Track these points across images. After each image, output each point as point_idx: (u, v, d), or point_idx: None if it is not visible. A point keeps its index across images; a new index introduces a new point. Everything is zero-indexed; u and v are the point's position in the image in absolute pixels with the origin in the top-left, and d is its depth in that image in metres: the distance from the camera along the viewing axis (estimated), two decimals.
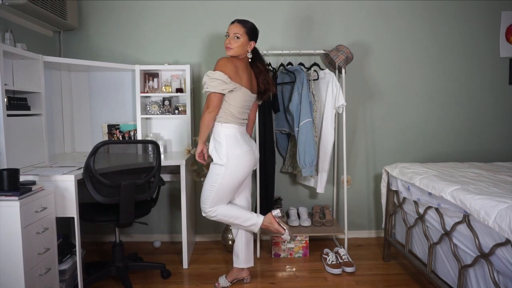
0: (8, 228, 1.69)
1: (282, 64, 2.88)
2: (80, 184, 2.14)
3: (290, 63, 2.92)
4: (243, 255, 2.40)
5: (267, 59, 3.00)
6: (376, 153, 3.23)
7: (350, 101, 3.12)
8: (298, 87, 2.69)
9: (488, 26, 3.14)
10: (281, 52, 2.92)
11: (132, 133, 3.03)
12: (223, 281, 2.41)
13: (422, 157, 3.21)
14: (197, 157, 2.29)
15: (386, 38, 3.13)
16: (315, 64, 2.92)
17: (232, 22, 2.22)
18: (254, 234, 2.99)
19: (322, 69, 2.91)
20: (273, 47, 3.01)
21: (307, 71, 2.87)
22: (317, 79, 2.85)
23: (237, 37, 2.17)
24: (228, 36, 2.20)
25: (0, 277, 1.70)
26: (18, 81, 2.32)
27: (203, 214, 2.30)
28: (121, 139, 3.00)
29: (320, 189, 2.88)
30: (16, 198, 1.69)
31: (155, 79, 3.01)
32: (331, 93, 2.77)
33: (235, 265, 2.42)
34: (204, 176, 2.89)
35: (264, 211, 2.80)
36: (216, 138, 2.23)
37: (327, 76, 2.81)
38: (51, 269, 1.94)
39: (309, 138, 2.66)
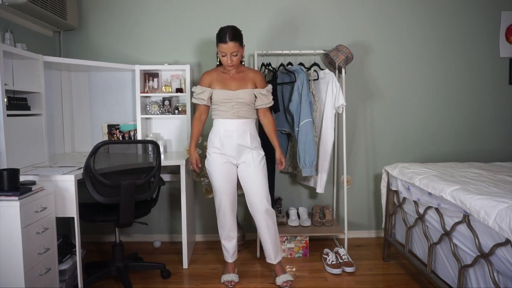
0: (8, 228, 1.69)
1: (282, 64, 2.88)
2: (80, 184, 2.14)
3: (290, 63, 2.92)
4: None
5: (267, 59, 3.00)
6: (376, 153, 3.23)
7: (350, 101, 3.12)
8: (298, 87, 2.69)
9: (488, 26, 3.14)
10: (281, 52, 2.92)
11: (132, 133, 3.03)
12: None
13: (422, 157, 3.21)
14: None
15: (386, 38, 3.13)
16: (315, 64, 2.92)
17: (222, 41, 2.21)
18: (254, 234, 2.99)
19: (322, 69, 2.91)
20: (273, 47, 3.01)
21: (307, 71, 2.86)
22: (317, 79, 2.85)
23: (235, 55, 2.25)
24: (225, 55, 2.24)
25: (0, 277, 1.70)
26: (18, 81, 2.32)
27: (271, 211, 2.38)
28: (121, 139, 3.00)
29: (320, 189, 2.88)
30: (16, 198, 1.69)
31: (155, 79, 3.01)
32: (331, 93, 2.77)
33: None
34: (204, 176, 2.89)
35: None
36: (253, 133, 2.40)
37: (327, 76, 2.81)
38: (51, 269, 1.94)
39: (309, 138, 2.66)
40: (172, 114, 2.99)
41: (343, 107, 2.77)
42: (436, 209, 2.11)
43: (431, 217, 2.20)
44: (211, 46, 3.10)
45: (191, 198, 2.99)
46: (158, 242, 3.12)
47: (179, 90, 2.96)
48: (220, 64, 2.39)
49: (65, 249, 2.33)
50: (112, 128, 3.01)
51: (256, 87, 2.37)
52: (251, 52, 3.02)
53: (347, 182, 3.09)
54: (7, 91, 2.13)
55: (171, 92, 2.97)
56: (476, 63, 3.17)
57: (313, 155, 2.67)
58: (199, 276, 2.57)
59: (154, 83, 3.00)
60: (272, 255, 2.42)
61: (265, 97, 2.38)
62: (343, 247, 2.88)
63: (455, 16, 3.12)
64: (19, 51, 2.20)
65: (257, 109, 2.43)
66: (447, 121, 3.21)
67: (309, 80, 2.81)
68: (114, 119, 3.07)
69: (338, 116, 3.07)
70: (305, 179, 3.03)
